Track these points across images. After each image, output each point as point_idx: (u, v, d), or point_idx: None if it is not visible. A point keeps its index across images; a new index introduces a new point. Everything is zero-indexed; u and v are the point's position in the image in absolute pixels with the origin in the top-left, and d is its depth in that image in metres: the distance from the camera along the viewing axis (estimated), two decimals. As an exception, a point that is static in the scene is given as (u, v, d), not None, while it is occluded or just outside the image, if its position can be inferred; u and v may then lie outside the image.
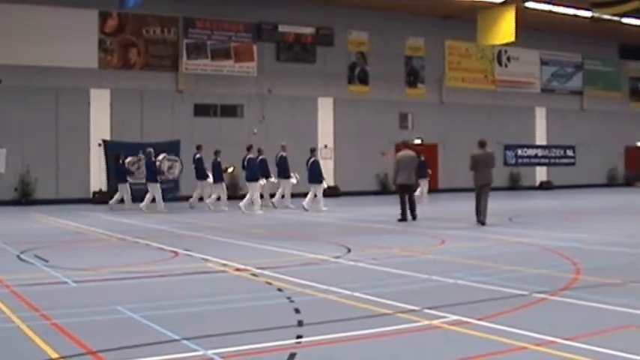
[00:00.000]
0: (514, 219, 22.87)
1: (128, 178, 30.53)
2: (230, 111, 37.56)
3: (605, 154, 50.34)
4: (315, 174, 28.76)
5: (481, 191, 21.72)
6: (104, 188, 33.83)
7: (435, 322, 8.39)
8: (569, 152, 49.30)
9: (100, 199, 33.07)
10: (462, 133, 42.26)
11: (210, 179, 30.07)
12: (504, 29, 35.09)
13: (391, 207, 25.64)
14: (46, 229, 21.68)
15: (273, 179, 29.65)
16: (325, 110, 40.07)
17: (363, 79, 41.47)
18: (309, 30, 38.96)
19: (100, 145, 34.01)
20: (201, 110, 36.76)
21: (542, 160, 48.27)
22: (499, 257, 14.13)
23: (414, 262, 13.61)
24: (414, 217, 22.95)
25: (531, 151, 47.52)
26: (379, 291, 10.33)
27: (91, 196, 33.71)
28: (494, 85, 46.00)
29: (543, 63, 48.32)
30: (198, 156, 30.70)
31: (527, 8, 37.09)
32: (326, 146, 38.10)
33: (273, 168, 30.22)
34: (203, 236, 18.94)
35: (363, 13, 40.34)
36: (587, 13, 34.48)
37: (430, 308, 9.06)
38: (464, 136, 41.48)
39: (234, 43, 37.33)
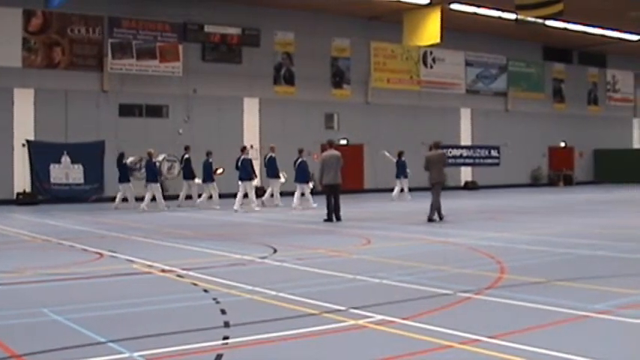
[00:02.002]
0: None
1: (130, 178, 30.76)
2: (155, 111, 37.23)
3: (529, 155, 51.15)
4: (302, 173, 29.50)
5: (435, 188, 22.22)
6: (28, 189, 33.35)
7: (361, 321, 8.45)
8: (494, 152, 49.89)
9: (24, 200, 32.68)
10: (387, 133, 42.60)
11: (198, 179, 30.93)
12: (430, 30, 35.48)
13: (317, 207, 25.71)
14: (-33, 231, 21.33)
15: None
16: (251, 110, 39.92)
17: (289, 80, 41.46)
18: (234, 30, 38.80)
19: (23, 145, 33.39)
20: (127, 110, 36.33)
21: (467, 161, 48.72)
22: (424, 257, 14.26)
23: (340, 262, 13.68)
24: (338, 218, 23.00)
25: (456, 152, 47.87)
26: (305, 291, 10.37)
27: (14, 197, 33.11)
28: (420, 86, 46.31)
29: (468, 64, 48.81)
30: (186, 156, 31.37)
31: (452, 10, 37.52)
32: (252, 146, 37.87)
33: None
34: (127, 237, 18.78)
35: (289, 13, 40.37)
36: (512, 16, 34.90)
37: (356, 308, 9.12)
38: (389, 136, 41.86)
39: (159, 43, 37.04)
